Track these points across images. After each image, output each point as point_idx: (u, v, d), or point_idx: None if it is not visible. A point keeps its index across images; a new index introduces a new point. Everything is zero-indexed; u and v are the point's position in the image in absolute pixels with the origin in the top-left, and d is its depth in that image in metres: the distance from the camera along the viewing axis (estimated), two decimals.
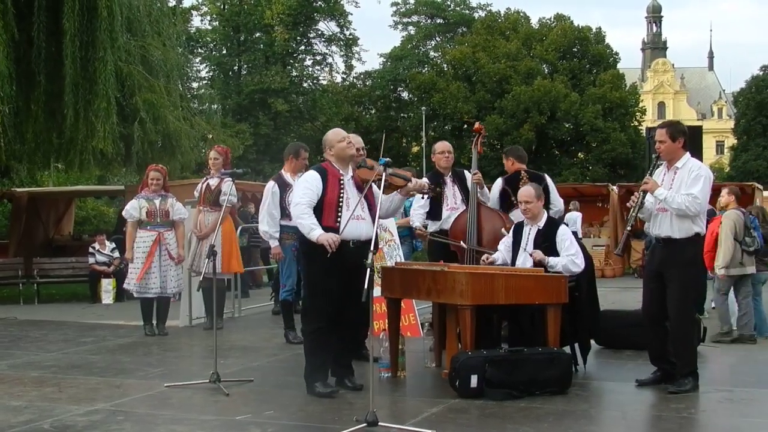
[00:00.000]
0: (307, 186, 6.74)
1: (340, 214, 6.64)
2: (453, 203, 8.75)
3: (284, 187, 9.37)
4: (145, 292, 10.42)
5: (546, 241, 7.52)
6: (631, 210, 6.99)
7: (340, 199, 6.67)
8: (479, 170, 8.83)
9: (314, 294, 6.86)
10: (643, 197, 6.94)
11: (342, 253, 6.51)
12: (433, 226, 8.79)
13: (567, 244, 7.49)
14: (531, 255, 7.48)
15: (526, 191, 7.73)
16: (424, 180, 6.90)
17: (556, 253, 7.44)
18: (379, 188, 6.59)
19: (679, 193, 6.77)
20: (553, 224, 7.68)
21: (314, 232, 6.54)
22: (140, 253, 10.34)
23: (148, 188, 10.48)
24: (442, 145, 9.13)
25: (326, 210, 6.66)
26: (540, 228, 7.63)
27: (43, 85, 14.84)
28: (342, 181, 6.73)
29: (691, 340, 7.07)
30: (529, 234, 7.65)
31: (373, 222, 6.57)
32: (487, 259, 7.78)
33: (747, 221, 10.17)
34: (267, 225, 9.39)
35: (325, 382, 6.76)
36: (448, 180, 8.85)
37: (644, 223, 7.23)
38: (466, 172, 8.93)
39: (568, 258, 7.38)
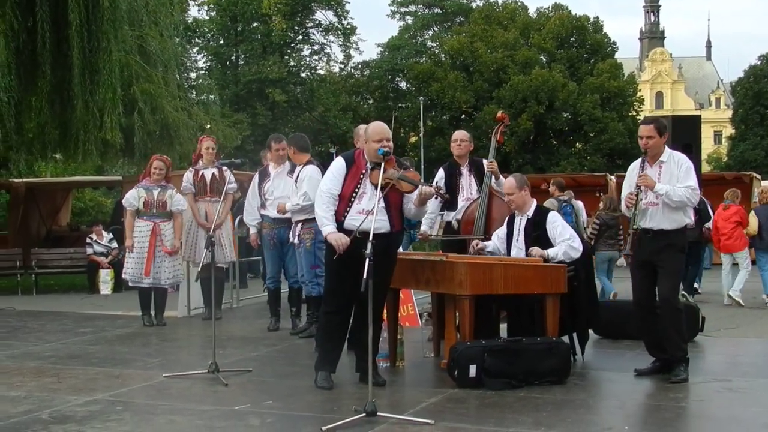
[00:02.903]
0: (332, 175, 6.71)
1: (349, 207, 6.59)
2: (468, 193, 8.62)
3: (263, 177, 9.72)
4: (139, 282, 10.41)
5: (536, 230, 7.51)
6: (632, 209, 6.98)
7: (354, 193, 6.61)
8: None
9: (329, 279, 6.92)
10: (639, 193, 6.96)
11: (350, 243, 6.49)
12: (448, 217, 8.73)
13: (560, 230, 7.47)
14: (529, 254, 7.45)
15: (507, 183, 7.72)
16: (433, 187, 6.73)
17: (547, 240, 7.44)
18: (380, 189, 6.41)
19: (675, 186, 6.84)
20: (542, 212, 7.66)
21: (325, 228, 6.54)
22: (137, 243, 10.34)
23: (150, 177, 10.44)
24: (456, 134, 8.97)
25: (339, 200, 6.62)
26: (529, 217, 7.62)
27: (48, 75, 14.82)
28: (363, 175, 6.66)
29: (680, 324, 7.08)
30: (520, 225, 7.64)
31: (391, 220, 6.58)
32: (477, 245, 7.76)
33: (559, 208, 11.80)
34: (246, 213, 9.95)
35: (327, 374, 6.75)
36: (465, 170, 8.70)
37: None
38: (484, 161, 8.73)
39: (566, 244, 7.36)
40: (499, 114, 9.23)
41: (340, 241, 6.42)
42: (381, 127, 6.71)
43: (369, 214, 6.41)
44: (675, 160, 7.03)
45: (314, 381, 6.73)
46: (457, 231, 8.58)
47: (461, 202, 8.62)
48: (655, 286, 7.12)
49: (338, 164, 6.75)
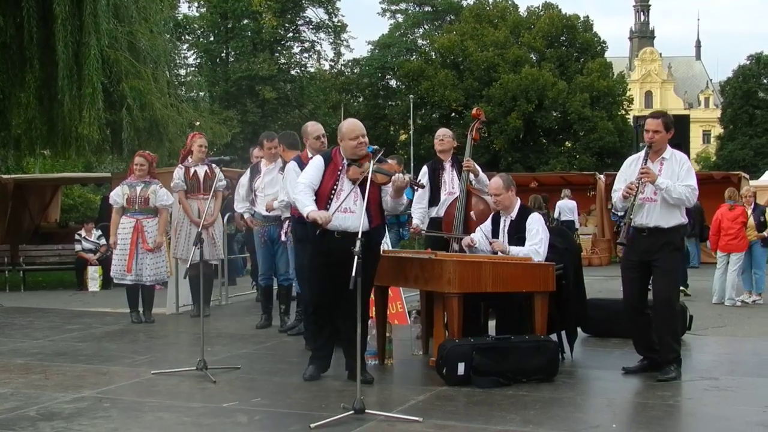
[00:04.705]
0: (311, 169, 6.80)
1: (329, 205, 6.62)
2: (450, 188, 8.79)
3: (255, 174, 9.76)
4: (122, 279, 10.41)
5: (518, 232, 7.51)
6: (630, 199, 6.90)
7: (333, 190, 6.65)
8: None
9: (305, 280, 7.12)
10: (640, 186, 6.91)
11: (328, 243, 6.52)
12: (432, 211, 8.83)
13: (533, 232, 7.45)
14: (491, 244, 7.51)
15: (494, 183, 7.71)
16: (407, 176, 6.80)
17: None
18: (356, 183, 6.55)
19: (675, 183, 6.83)
20: (524, 213, 7.66)
21: (306, 208, 6.55)
22: (120, 240, 10.33)
23: (134, 174, 10.43)
24: (439, 131, 9.24)
25: (318, 199, 6.66)
26: (513, 219, 7.62)
27: (36, 71, 14.76)
28: (340, 172, 6.70)
29: (675, 326, 7.10)
30: (505, 225, 7.65)
31: (370, 215, 6.56)
32: (471, 240, 7.77)
33: None
34: (236, 202, 10.01)
35: (316, 368, 6.83)
36: (447, 165, 8.90)
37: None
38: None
39: (532, 248, 7.35)
40: (474, 110, 9.24)
41: (323, 215, 6.43)
42: (355, 124, 6.80)
43: (350, 212, 6.52)
44: (677, 159, 7.01)
45: (302, 373, 6.82)
46: (440, 225, 8.71)
47: (444, 196, 8.79)
48: (647, 288, 7.11)
49: (317, 161, 6.84)
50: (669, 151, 7.03)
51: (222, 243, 10.82)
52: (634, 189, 6.89)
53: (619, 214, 7.55)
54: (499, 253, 7.43)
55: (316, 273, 6.80)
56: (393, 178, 6.57)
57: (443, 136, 9.04)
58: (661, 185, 6.82)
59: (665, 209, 6.89)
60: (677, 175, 6.91)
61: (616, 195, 7.13)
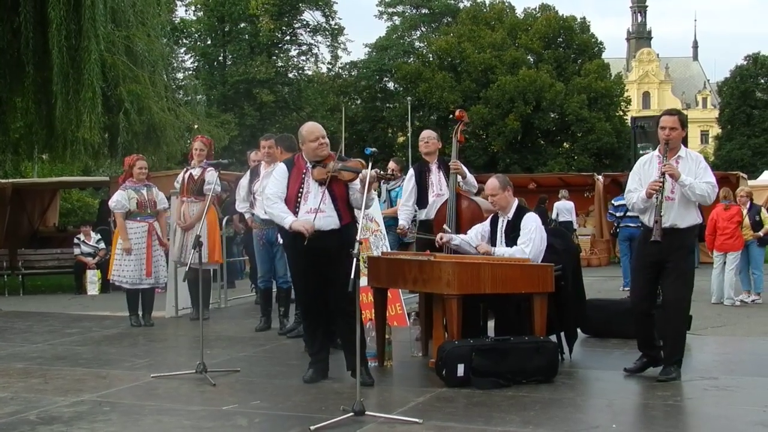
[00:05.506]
0: (276, 179, 6.91)
1: (297, 208, 6.70)
2: (438, 189, 8.73)
3: (254, 176, 9.87)
4: (139, 284, 10.35)
5: (514, 231, 7.50)
6: (658, 196, 6.74)
7: (299, 194, 6.73)
8: (459, 160, 8.78)
9: (295, 283, 7.19)
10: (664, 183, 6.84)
11: (301, 244, 6.57)
12: (420, 214, 8.80)
13: (524, 232, 7.42)
14: (476, 248, 7.50)
15: (490, 183, 7.68)
16: (373, 170, 6.79)
17: None
18: (324, 184, 6.65)
19: (696, 180, 6.78)
20: (520, 213, 7.65)
21: (286, 219, 6.66)
22: (134, 245, 10.26)
23: (133, 178, 10.39)
24: (423, 133, 9.20)
25: (286, 204, 6.75)
26: (509, 219, 7.61)
27: (32, 75, 14.75)
28: (304, 175, 6.77)
29: (684, 329, 7.07)
30: (502, 226, 7.64)
31: (339, 213, 6.66)
32: (441, 239, 7.74)
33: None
34: (237, 203, 10.18)
35: (315, 371, 6.86)
36: (434, 167, 8.85)
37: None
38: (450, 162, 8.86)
39: (518, 248, 7.34)
40: (458, 113, 9.17)
41: (306, 225, 6.54)
42: (314, 126, 6.92)
43: (320, 212, 6.59)
44: (692, 157, 6.96)
45: (302, 375, 6.86)
46: (430, 227, 8.64)
47: (431, 198, 8.75)
48: (656, 288, 7.07)
49: (280, 169, 6.94)
50: (683, 150, 6.97)
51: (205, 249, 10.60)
52: (659, 186, 6.74)
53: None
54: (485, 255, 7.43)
55: (297, 274, 6.96)
56: (360, 175, 6.59)
57: (428, 139, 8.99)
58: (685, 182, 6.73)
59: (683, 208, 6.82)
60: (695, 173, 6.83)
61: (635, 195, 6.98)
